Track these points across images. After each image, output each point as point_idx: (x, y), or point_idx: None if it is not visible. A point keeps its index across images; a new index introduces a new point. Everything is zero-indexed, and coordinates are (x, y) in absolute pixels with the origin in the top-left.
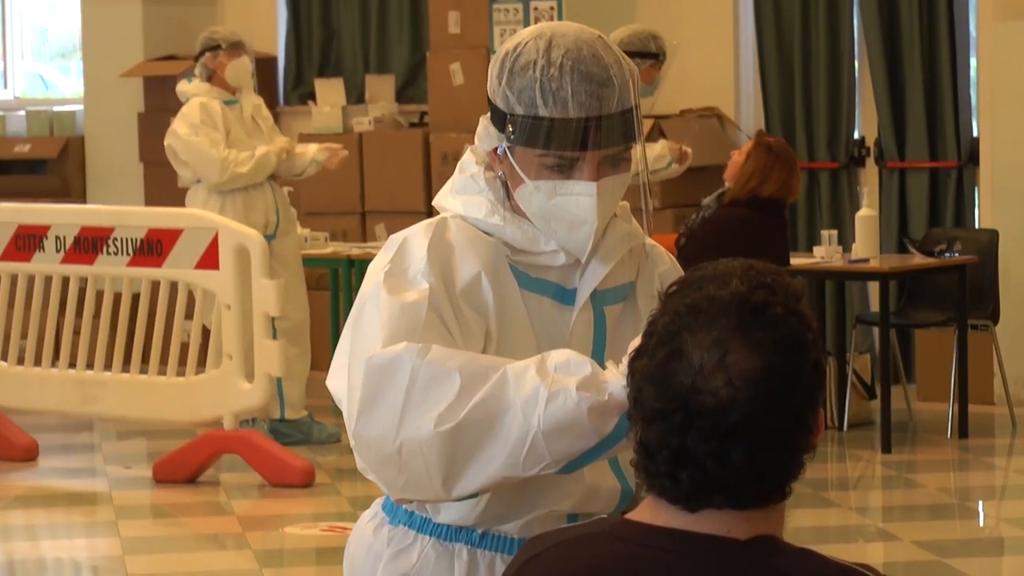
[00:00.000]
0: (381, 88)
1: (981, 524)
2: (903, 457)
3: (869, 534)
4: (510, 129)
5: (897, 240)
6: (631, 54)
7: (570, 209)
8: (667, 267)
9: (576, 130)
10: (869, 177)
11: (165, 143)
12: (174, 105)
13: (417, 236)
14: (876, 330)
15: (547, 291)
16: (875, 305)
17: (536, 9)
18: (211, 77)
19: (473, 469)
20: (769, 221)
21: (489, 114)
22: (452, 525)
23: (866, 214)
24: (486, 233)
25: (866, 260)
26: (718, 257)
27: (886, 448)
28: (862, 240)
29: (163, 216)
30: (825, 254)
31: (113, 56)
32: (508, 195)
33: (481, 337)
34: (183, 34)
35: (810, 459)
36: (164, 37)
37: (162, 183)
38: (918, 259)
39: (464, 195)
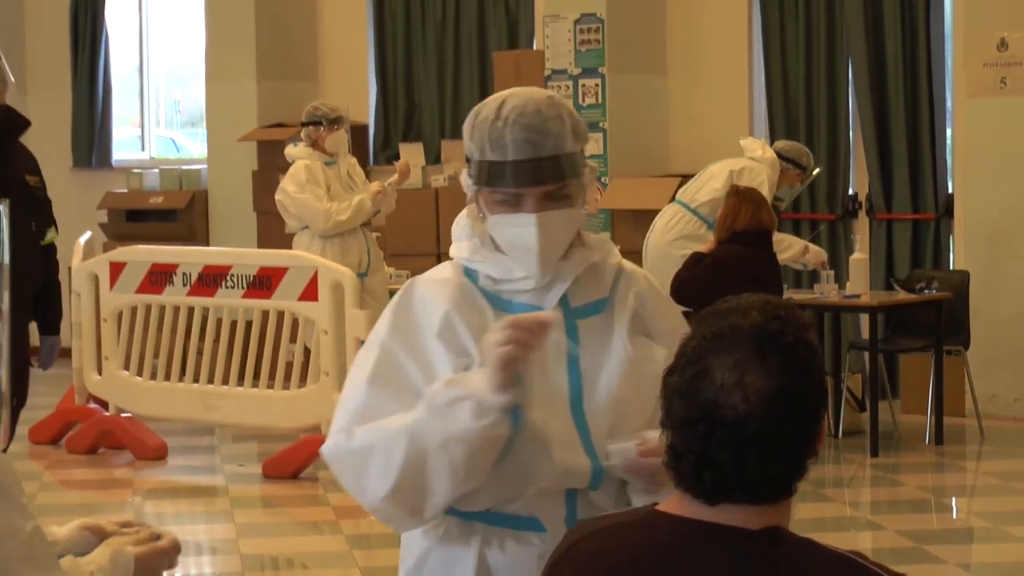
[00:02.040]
0: (454, 151)
1: (954, 517)
2: (888, 460)
3: (860, 525)
4: (471, 172)
5: (884, 279)
6: (787, 159)
7: (520, 238)
8: (642, 286)
9: (513, 170)
10: (861, 226)
11: (276, 198)
12: (283, 165)
13: (390, 304)
14: (866, 354)
15: (519, 309)
16: (866, 333)
17: (583, 86)
18: (314, 144)
19: (431, 501)
20: (757, 253)
21: (464, 167)
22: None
23: (858, 257)
24: (471, 270)
25: (858, 296)
26: (712, 285)
27: (874, 453)
28: (855, 279)
29: (272, 257)
30: (824, 290)
31: (232, 124)
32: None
33: (449, 371)
34: (290, 106)
35: (813, 463)
36: (274, 108)
37: (272, 229)
38: (902, 295)
39: (458, 241)
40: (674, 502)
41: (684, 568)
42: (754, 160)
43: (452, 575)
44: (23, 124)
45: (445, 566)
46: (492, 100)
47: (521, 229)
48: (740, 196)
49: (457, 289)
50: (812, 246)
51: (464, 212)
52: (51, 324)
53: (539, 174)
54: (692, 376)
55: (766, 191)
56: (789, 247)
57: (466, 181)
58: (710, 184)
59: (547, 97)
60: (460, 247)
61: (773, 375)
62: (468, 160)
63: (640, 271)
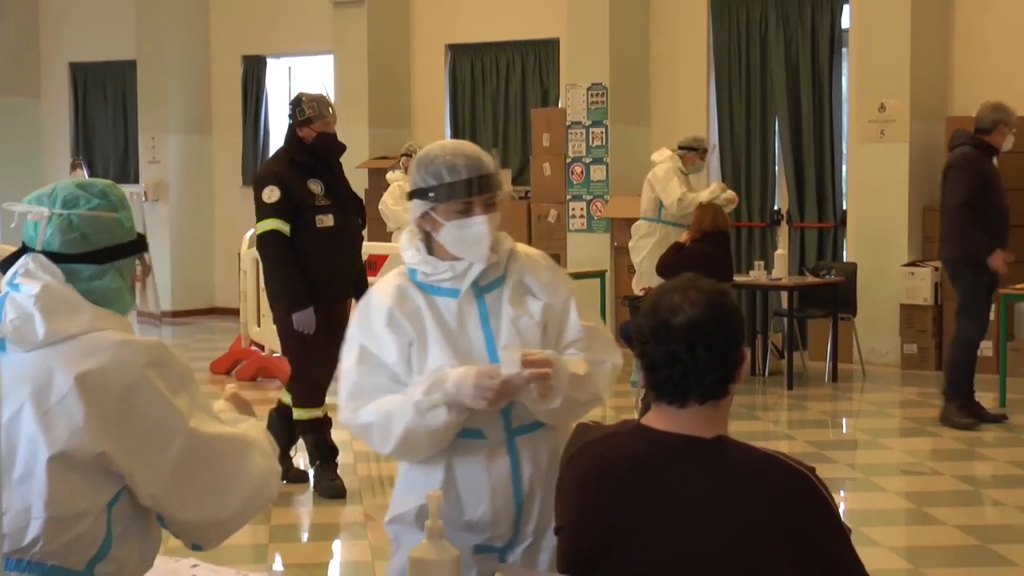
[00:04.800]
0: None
1: (844, 432)
2: (800, 392)
3: (779, 436)
4: (432, 195)
5: (798, 268)
6: (683, 147)
7: (472, 235)
8: (523, 262)
9: (466, 184)
10: (782, 231)
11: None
12: (384, 185)
13: (356, 310)
14: (785, 319)
15: (444, 293)
16: (785, 304)
17: (593, 133)
18: (407, 169)
19: (418, 456)
20: (716, 250)
21: (412, 199)
22: None
23: (780, 253)
24: (413, 270)
25: (780, 279)
26: (686, 271)
27: (790, 387)
28: (778, 267)
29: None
30: (756, 276)
31: (351, 157)
32: (428, 241)
33: (406, 345)
34: (391, 144)
35: (740, 385)
36: (379, 146)
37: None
38: (810, 279)
39: (404, 251)
40: (653, 417)
41: (659, 469)
42: (657, 163)
43: (431, 475)
44: (342, 148)
45: (428, 475)
46: (434, 146)
47: (475, 228)
48: (703, 208)
49: (396, 290)
50: (724, 192)
51: (405, 233)
52: (364, 289)
53: (484, 185)
54: (650, 309)
55: (669, 177)
56: (700, 192)
57: (415, 207)
58: (644, 195)
59: (469, 141)
60: (406, 255)
61: (705, 293)
62: (419, 192)
63: (524, 251)
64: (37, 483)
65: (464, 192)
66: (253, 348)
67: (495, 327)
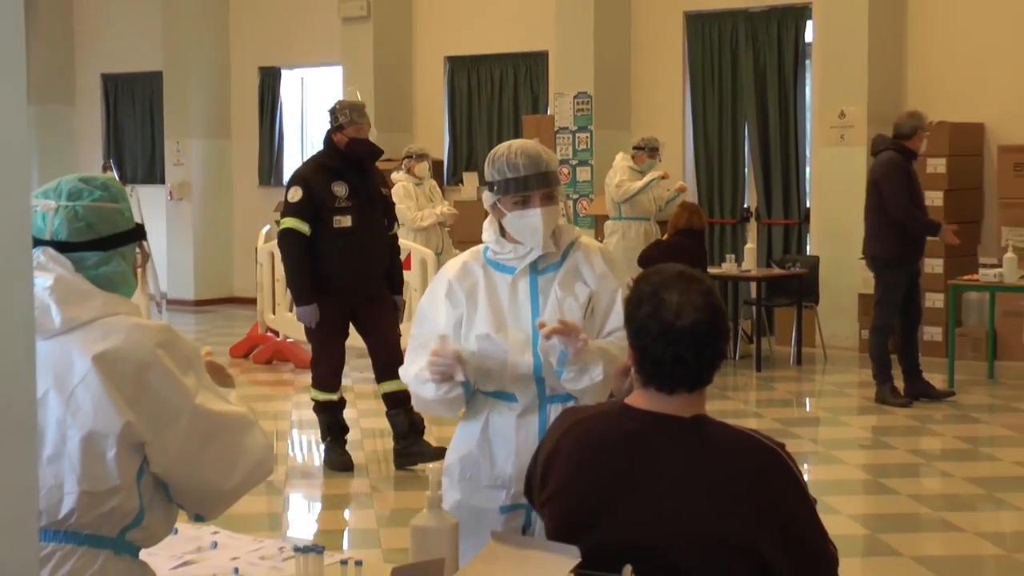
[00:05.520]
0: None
1: (807, 410)
2: (767, 374)
3: (748, 415)
4: (496, 188)
5: (766, 260)
6: (635, 147)
7: (530, 224)
8: (582, 252)
9: (524, 180)
10: (751, 227)
11: None
12: (389, 185)
13: (431, 283)
14: (754, 307)
15: (505, 270)
16: (754, 294)
17: (579, 138)
18: (409, 170)
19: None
20: (693, 244)
21: (486, 188)
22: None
23: (750, 247)
24: (487, 248)
25: (749, 270)
26: (667, 261)
27: (758, 369)
28: (747, 260)
29: None
30: (727, 268)
31: None
32: (500, 227)
33: (457, 315)
34: (394, 147)
35: (719, 371)
36: (384, 149)
37: None
38: (777, 271)
39: (485, 231)
40: (638, 398)
41: (644, 445)
42: (613, 165)
43: (470, 431)
44: (379, 152)
45: (469, 430)
46: (502, 146)
47: (531, 219)
48: (681, 207)
49: (462, 266)
50: (677, 183)
51: (487, 220)
52: (397, 287)
53: (541, 181)
54: (654, 307)
55: (615, 172)
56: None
57: (487, 197)
58: (606, 197)
59: (535, 142)
60: (484, 235)
61: (703, 296)
62: (488, 184)
63: (586, 243)
64: (69, 461)
65: (523, 187)
66: (269, 334)
67: (542, 304)
